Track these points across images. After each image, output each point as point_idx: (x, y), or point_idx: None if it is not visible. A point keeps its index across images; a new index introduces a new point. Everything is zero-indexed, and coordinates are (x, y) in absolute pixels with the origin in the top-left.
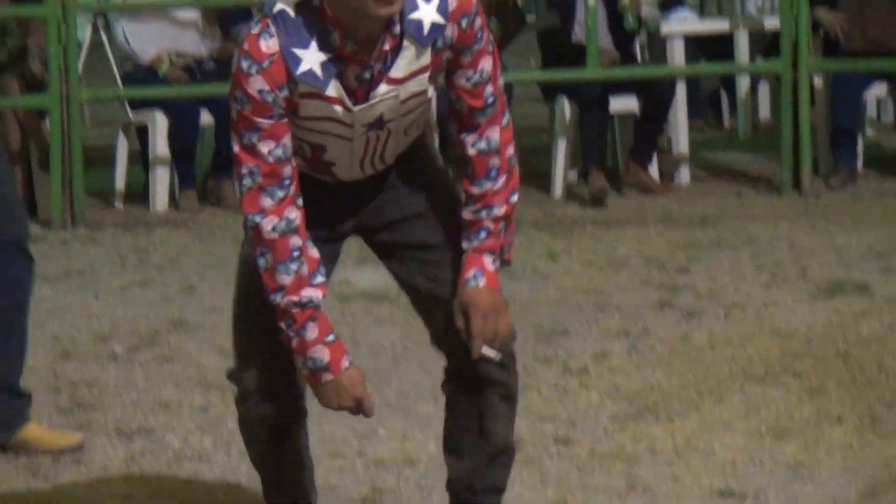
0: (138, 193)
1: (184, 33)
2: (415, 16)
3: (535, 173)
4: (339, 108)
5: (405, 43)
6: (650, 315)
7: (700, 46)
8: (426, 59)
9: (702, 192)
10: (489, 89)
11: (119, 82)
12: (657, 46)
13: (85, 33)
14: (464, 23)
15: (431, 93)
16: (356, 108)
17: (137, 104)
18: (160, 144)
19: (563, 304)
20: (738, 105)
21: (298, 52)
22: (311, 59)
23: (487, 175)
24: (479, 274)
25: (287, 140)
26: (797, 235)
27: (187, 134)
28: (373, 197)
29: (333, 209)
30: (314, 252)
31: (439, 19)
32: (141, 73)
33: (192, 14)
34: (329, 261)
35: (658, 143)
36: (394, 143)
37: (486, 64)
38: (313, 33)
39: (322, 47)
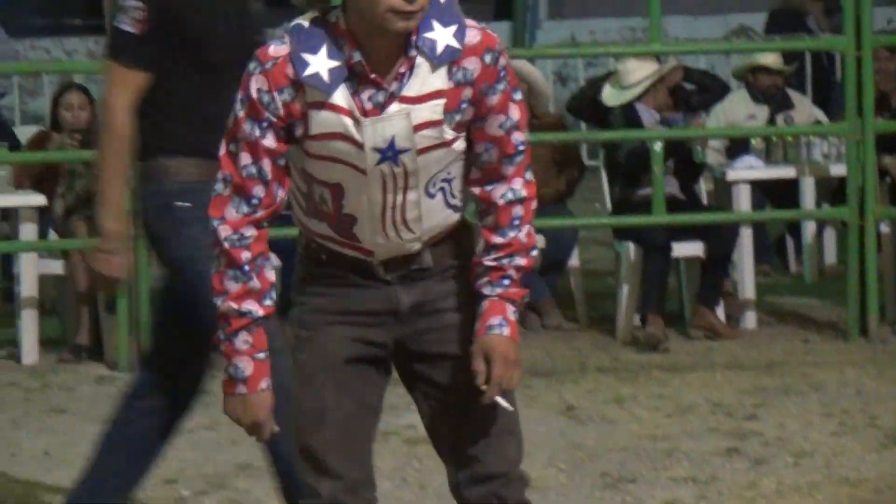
0: None
1: None
2: (429, 35)
3: (601, 317)
4: (348, 120)
5: (418, 61)
6: (718, 462)
7: (766, 191)
8: (440, 81)
9: (768, 338)
10: (518, 136)
11: None
12: (723, 191)
13: None
14: (487, 59)
15: (456, 153)
16: (365, 120)
17: None
18: None
19: (631, 450)
20: (804, 250)
21: (307, 56)
22: (320, 64)
23: (511, 224)
24: (504, 323)
25: (266, 164)
26: (865, 382)
27: None
28: (416, 313)
29: (374, 312)
30: (269, 275)
31: (455, 43)
32: None
33: None
34: (377, 385)
35: (724, 287)
36: (415, 197)
37: (515, 111)
38: (324, 42)
39: (332, 55)
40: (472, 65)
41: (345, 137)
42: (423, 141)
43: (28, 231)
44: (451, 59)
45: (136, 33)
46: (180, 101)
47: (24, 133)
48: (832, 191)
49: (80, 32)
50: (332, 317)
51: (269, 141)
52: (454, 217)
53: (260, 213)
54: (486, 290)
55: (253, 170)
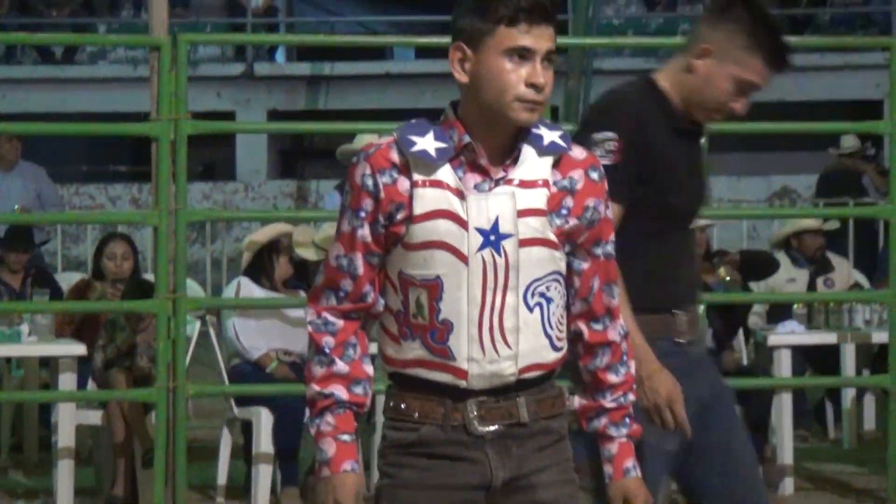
0: (240, 488)
1: (294, 331)
2: (536, 131)
3: None
4: (453, 197)
5: (525, 150)
6: None
7: (806, 355)
8: (545, 171)
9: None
10: (615, 267)
11: (225, 377)
12: (762, 353)
13: (194, 328)
14: (594, 175)
15: (557, 264)
16: (470, 195)
17: (243, 400)
18: (264, 442)
19: None
20: (843, 416)
21: (413, 137)
22: (427, 143)
23: (622, 360)
24: (636, 465)
25: (357, 258)
26: None
27: (291, 432)
28: (509, 488)
29: (467, 486)
30: (366, 367)
31: (561, 142)
32: (247, 369)
33: (302, 313)
34: None
35: (762, 452)
36: (514, 302)
37: (613, 237)
38: (432, 129)
39: (439, 138)
40: (577, 175)
41: (449, 215)
42: (526, 230)
43: (67, 381)
44: (556, 151)
45: (612, 164)
46: (631, 245)
47: (66, 279)
48: (873, 356)
49: (125, 179)
50: (422, 492)
51: (365, 233)
52: (552, 356)
53: (346, 305)
54: (613, 432)
55: (344, 262)
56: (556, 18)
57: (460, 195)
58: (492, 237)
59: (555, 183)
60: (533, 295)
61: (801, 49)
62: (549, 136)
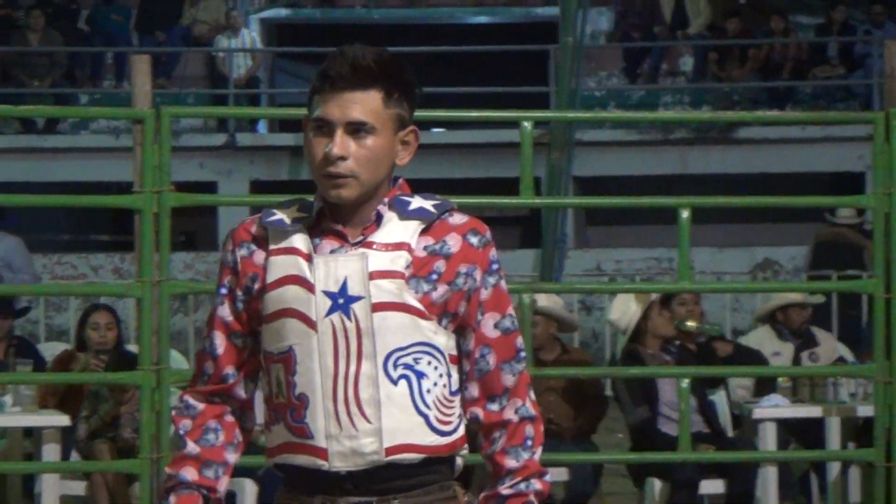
0: None
1: None
2: (405, 198)
3: None
4: (302, 261)
5: (386, 216)
6: None
7: (790, 429)
8: (407, 235)
9: None
10: (520, 342)
11: None
12: (747, 426)
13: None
14: (472, 239)
15: (423, 334)
16: (317, 257)
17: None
18: None
19: None
20: (828, 489)
21: (276, 209)
22: (285, 214)
23: (524, 445)
24: None
25: (217, 338)
26: None
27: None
28: None
29: None
30: (228, 455)
31: (430, 209)
32: None
33: None
34: None
35: None
36: (370, 371)
37: (512, 311)
38: (297, 203)
39: (302, 209)
40: (452, 240)
41: (297, 279)
42: (380, 293)
43: (51, 451)
44: (420, 216)
45: None
46: None
47: (49, 349)
48: (857, 430)
49: (107, 248)
50: None
51: (224, 311)
52: (430, 438)
53: (209, 387)
54: None
55: (206, 343)
56: (376, 81)
57: (309, 259)
58: (340, 300)
59: (425, 247)
60: (396, 366)
61: (783, 122)
62: (418, 202)
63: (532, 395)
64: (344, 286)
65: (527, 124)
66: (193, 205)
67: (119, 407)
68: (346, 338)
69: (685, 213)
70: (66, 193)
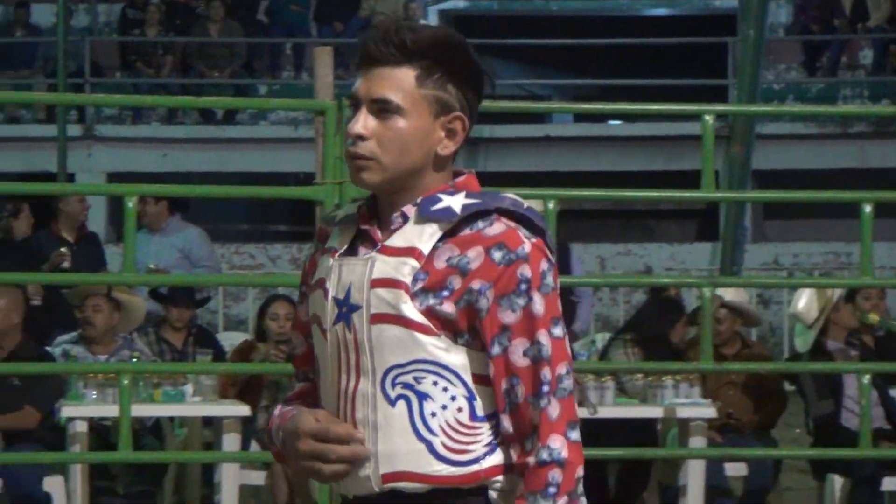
0: None
1: None
2: (439, 195)
3: None
4: (330, 261)
5: (411, 215)
6: None
7: None
8: (421, 239)
9: None
10: (548, 373)
11: None
12: None
13: None
14: (495, 255)
15: (422, 350)
16: (336, 259)
17: None
18: None
19: None
20: None
21: (353, 205)
22: (352, 209)
23: (544, 492)
24: None
25: (296, 340)
26: None
27: None
28: None
29: None
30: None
31: (456, 208)
32: None
33: None
34: None
35: None
36: (368, 389)
37: (545, 339)
38: (368, 201)
39: (359, 208)
40: (474, 254)
41: (322, 283)
42: (377, 303)
43: (231, 441)
44: (441, 218)
45: None
46: None
47: (227, 339)
48: None
49: (285, 239)
50: None
51: (301, 311)
52: (436, 467)
53: (295, 390)
54: None
55: (293, 341)
56: (410, 58)
57: (335, 261)
58: (343, 308)
59: (448, 259)
60: (394, 385)
61: None
62: (448, 201)
63: (573, 433)
64: (348, 293)
65: (708, 118)
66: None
67: None
68: (347, 350)
69: (868, 208)
70: (245, 184)
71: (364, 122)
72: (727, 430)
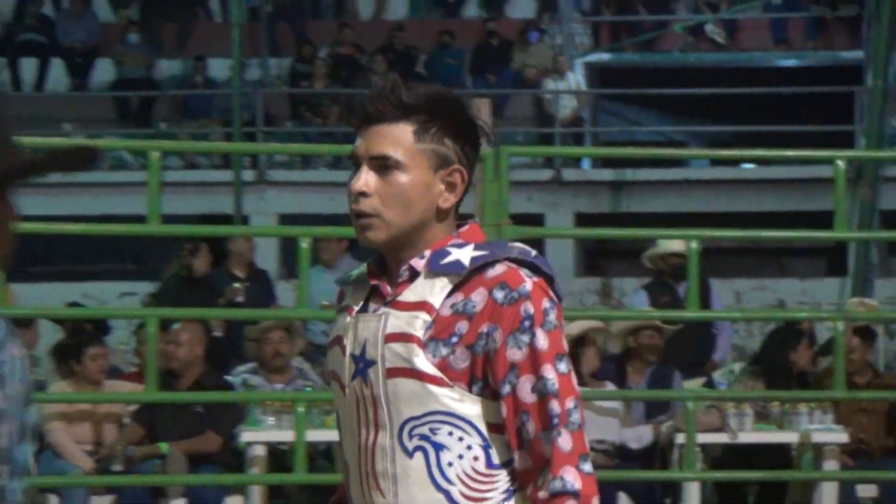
0: None
1: (605, 421)
2: (446, 248)
3: None
4: (347, 319)
5: (419, 270)
6: None
7: None
8: (431, 293)
9: None
10: (556, 407)
11: None
12: None
13: None
14: (498, 295)
15: (436, 402)
16: (352, 317)
17: None
18: None
19: None
20: None
21: (364, 264)
22: (363, 268)
23: None
24: None
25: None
26: None
27: None
28: None
29: None
30: None
31: (465, 262)
32: None
33: (613, 405)
34: None
35: None
36: (386, 442)
37: (552, 373)
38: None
39: (368, 265)
40: (477, 297)
41: (339, 340)
42: (392, 358)
43: None
44: (450, 272)
45: None
46: None
47: None
48: None
49: None
50: None
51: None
52: None
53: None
54: None
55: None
56: (407, 114)
57: (352, 318)
58: (360, 364)
59: (451, 306)
60: (411, 437)
61: None
62: (457, 255)
63: (586, 465)
64: (363, 349)
65: (840, 162)
66: (528, 237)
67: None
68: (365, 405)
69: None
70: None
71: (365, 180)
72: (858, 454)
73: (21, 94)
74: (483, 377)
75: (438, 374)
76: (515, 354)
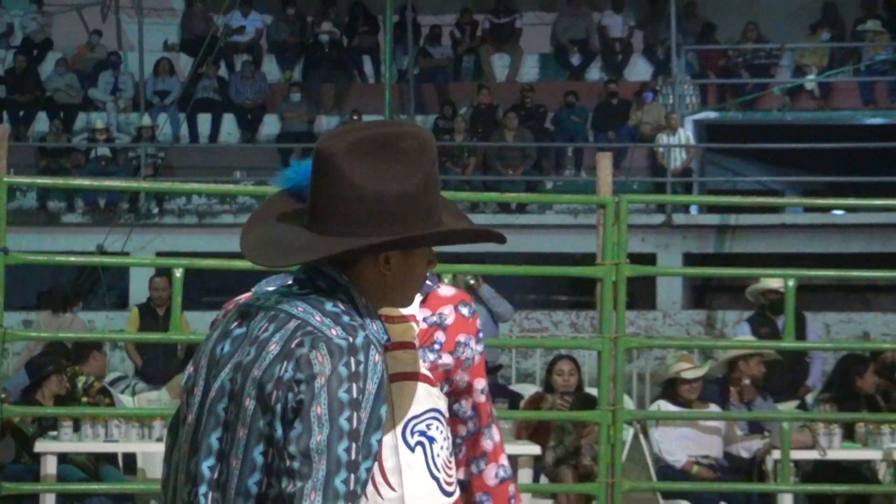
0: None
1: (708, 438)
2: None
3: None
4: None
5: None
6: None
7: None
8: (413, 308)
9: None
10: (491, 406)
11: (653, 475)
12: None
13: (628, 433)
14: (463, 310)
15: (434, 400)
16: None
17: (669, 495)
18: None
19: None
20: None
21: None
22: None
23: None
24: None
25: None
26: None
27: None
28: None
29: None
30: None
31: (427, 282)
32: (671, 469)
33: (717, 424)
34: None
35: None
36: (392, 441)
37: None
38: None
39: None
40: (447, 311)
41: None
42: (396, 364)
43: (524, 475)
44: (422, 289)
45: None
46: None
47: (519, 389)
48: None
49: (565, 307)
50: None
51: None
52: (441, 501)
53: None
54: None
55: None
56: None
57: None
58: None
59: (424, 319)
60: (413, 433)
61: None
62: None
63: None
64: None
65: None
66: (643, 275)
67: (580, 439)
68: None
69: None
70: (534, 262)
71: None
72: None
73: (198, 146)
74: (452, 379)
75: (431, 376)
76: (476, 361)
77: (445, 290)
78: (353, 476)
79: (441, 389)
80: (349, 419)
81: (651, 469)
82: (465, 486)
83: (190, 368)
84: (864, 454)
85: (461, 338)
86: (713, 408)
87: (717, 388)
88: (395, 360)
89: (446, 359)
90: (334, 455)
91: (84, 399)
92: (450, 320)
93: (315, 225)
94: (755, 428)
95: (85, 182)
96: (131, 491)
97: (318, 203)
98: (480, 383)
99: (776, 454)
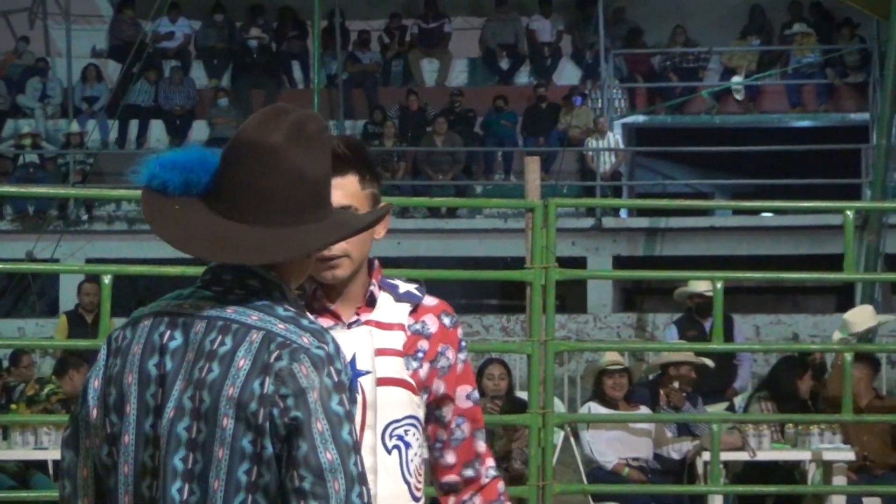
0: None
1: (638, 440)
2: (391, 281)
3: None
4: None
5: (381, 296)
6: None
7: None
8: (401, 316)
9: None
10: (480, 413)
11: (584, 478)
12: None
13: (559, 437)
14: (445, 320)
15: (414, 408)
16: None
17: (599, 497)
18: None
19: None
20: None
21: None
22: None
23: (498, 499)
24: None
25: None
26: None
27: None
28: None
29: None
30: None
31: (415, 292)
32: (602, 472)
33: (647, 426)
34: None
35: None
36: (371, 441)
37: (474, 385)
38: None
39: (314, 291)
40: (429, 320)
41: None
42: (384, 369)
43: None
44: (411, 300)
45: None
46: None
47: None
48: None
49: (496, 311)
50: None
51: None
52: None
53: None
54: None
55: None
56: (350, 166)
57: None
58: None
59: (409, 327)
60: (391, 437)
61: None
62: (405, 286)
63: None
64: (353, 360)
65: (849, 212)
66: (571, 278)
67: (511, 443)
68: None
69: None
70: (463, 267)
71: None
72: (862, 470)
73: (127, 152)
74: (429, 387)
75: (413, 383)
76: (460, 367)
77: (429, 300)
78: (364, 489)
79: (420, 397)
80: (350, 433)
81: (582, 472)
82: (456, 488)
83: (95, 384)
84: (793, 455)
85: (440, 347)
86: (643, 410)
87: (646, 392)
88: (382, 365)
89: (426, 367)
90: (348, 472)
91: (44, 405)
92: (432, 329)
93: (257, 218)
94: (685, 430)
95: (13, 189)
96: None
97: (259, 195)
98: (466, 390)
99: (706, 456)
